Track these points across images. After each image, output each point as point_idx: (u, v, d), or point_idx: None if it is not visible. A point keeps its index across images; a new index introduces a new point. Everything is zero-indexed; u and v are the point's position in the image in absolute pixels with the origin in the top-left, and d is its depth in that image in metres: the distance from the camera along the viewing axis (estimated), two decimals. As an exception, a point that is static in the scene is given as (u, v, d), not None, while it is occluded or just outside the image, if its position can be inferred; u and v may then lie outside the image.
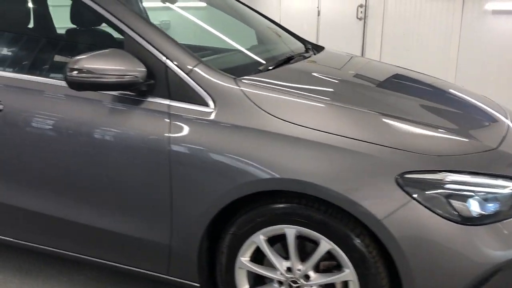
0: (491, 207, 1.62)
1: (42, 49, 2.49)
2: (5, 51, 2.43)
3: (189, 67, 1.87)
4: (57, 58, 2.41)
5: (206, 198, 1.83)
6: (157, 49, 1.89)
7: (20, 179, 2.16)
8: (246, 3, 3.19)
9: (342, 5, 6.80)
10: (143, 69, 1.85)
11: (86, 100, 1.99)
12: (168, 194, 1.89)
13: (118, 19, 1.95)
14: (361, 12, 6.63)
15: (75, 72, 1.79)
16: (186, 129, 1.84)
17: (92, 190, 2.04)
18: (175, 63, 1.88)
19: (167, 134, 1.85)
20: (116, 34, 2.21)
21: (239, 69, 2.07)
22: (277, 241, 1.85)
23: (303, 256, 1.81)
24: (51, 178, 2.09)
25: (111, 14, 1.96)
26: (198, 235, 1.90)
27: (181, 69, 1.87)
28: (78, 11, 2.51)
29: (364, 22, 6.63)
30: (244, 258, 1.89)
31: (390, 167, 1.63)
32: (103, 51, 1.86)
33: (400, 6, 6.08)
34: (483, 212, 1.60)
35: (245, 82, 1.88)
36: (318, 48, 2.88)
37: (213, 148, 1.80)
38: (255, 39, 3.03)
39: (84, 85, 1.82)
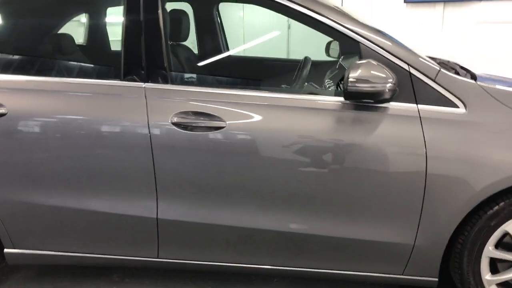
0: None
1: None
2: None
3: (434, 73, 2.00)
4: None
5: (461, 196, 1.95)
6: (401, 59, 1.99)
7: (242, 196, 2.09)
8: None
9: (270, 14, 7.10)
10: (395, 77, 1.93)
11: (320, 110, 2.02)
12: (421, 195, 1.98)
13: (360, 35, 2.02)
14: (288, 21, 7.01)
15: (355, 81, 1.83)
16: (440, 130, 1.96)
17: (331, 200, 2.05)
18: (421, 71, 1.99)
19: (421, 136, 1.95)
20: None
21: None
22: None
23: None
24: (287, 192, 2.06)
25: (352, 31, 2.02)
26: (448, 233, 2.01)
27: (427, 76, 1.99)
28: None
29: (288, 32, 7.03)
30: (491, 247, 2.04)
31: None
32: (363, 61, 1.91)
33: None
34: None
35: (483, 85, 2.05)
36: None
37: (468, 143, 1.94)
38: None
39: (363, 94, 1.86)
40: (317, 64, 2.64)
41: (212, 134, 2.03)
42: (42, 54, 2.58)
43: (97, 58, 2.57)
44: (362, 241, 2.08)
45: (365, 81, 1.85)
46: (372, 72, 1.86)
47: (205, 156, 2.06)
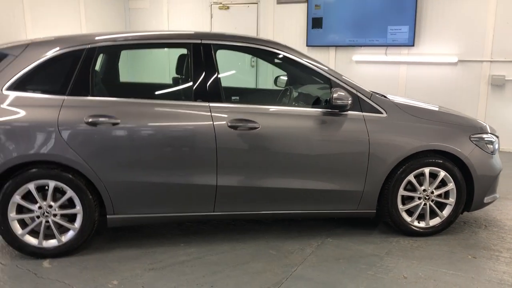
0: (496, 148, 3.93)
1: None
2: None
3: (369, 95, 3.68)
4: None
5: (387, 162, 3.63)
6: (353, 88, 3.64)
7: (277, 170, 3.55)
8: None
9: (239, 56, 8.80)
10: (351, 97, 3.56)
11: (312, 116, 3.57)
12: (367, 162, 3.61)
13: (336, 78, 3.64)
14: (253, 61, 8.79)
15: (337, 100, 3.42)
16: (375, 126, 3.62)
17: (318, 167, 3.58)
18: (363, 94, 3.66)
19: (366, 130, 3.59)
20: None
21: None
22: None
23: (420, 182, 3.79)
24: (297, 164, 3.54)
25: (332, 75, 3.65)
26: (380, 183, 3.68)
27: (366, 97, 3.67)
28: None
29: (256, 69, 8.79)
30: (402, 189, 3.75)
31: (466, 133, 3.78)
32: (337, 89, 3.51)
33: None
34: (495, 150, 3.90)
35: (393, 101, 3.79)
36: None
37: (390, 133, 3.63)
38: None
39: (341, 107, 3.45)
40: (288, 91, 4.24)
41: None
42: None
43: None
44: (337, 191, 3.64)
45: (340, 99, 3.45)
46: (342, 94, 3.47)
47: (247, 146, 3.47)
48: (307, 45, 8.17)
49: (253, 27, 8.81)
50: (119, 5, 9.96)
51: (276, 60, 4.02)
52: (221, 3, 9.06)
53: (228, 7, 9.04)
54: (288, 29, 8.48)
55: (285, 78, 4.68)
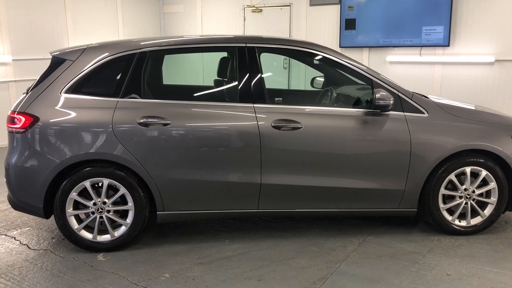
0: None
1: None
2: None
3: (411, 95, 3.74)
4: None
5: (428, 161, 3.67)
6: (394, 89, 3.70)
7: (323, 170, 3.64)
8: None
9: (272, 58, 8.92)
10: (392, 97, 3.62)
11: (354, 116, 3.65)
12: (408, 161, 3.67)
13: (377, 79, 3.70)
14: (286, 63, 8.89)
15: (380, 100, 3.49)
16: (416, 126, 3.67)
17: (360, 166, 3.65)
18: (404, 94, 3.72)
19: (407, 130, 3.65)
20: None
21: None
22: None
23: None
24: (339, 163, 3.63)
25: (374, 76, 3.72)
26: (422, 182, 3.72)
27: (407, 97, 3.72)
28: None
29: (289, 70, 8.89)
30: (443, 188, 3.78)
31: (508, 132, 3.79)
32: (379, 89, 3.57)
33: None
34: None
35: (434, 101, 3.83)
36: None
37: (431, 133, 3.67)
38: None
39: (384, 107, 3.52)
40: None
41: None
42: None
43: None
44: (379, 189, 3.70)
45: (383, 99, 3.52)
46: (384, 94, 3.54)
47: (290, 145, 3.57)
48: (340, 46, 8.22)
49: (285, 29, 8.91)
50: (154, 10, 10.22)
51: (318, 62, 4.11)
52: (254, 6, 9.19)
53: (261, 10, 9.17)
54: (320, 31, 8.55)
55: (322, 79, 4.76)
